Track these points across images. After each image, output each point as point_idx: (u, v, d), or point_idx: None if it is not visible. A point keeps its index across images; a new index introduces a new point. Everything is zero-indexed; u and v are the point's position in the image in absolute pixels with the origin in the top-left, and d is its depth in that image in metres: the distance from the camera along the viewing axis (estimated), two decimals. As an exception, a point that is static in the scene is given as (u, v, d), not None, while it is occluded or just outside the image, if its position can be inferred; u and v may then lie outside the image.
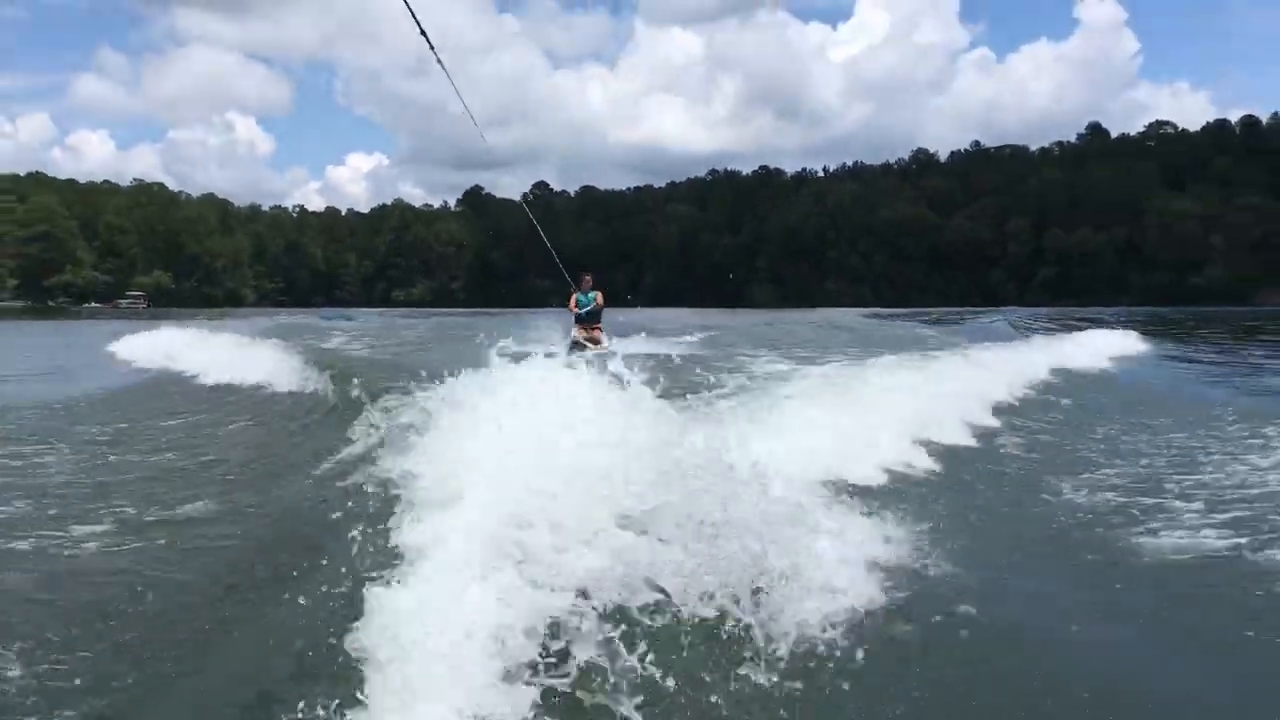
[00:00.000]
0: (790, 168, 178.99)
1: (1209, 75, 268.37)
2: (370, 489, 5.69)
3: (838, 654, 4.14)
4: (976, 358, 16.17)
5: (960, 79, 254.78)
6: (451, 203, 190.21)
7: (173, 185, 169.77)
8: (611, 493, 4.34)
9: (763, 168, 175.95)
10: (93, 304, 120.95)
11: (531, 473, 4.30)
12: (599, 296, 21.53)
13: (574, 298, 21.49)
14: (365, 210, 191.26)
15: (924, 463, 8.77)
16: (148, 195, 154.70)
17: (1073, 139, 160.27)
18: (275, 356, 16.36)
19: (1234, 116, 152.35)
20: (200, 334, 23.50)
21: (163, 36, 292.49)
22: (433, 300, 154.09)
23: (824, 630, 4.29)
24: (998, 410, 12.02)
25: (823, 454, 7.77)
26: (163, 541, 6.40)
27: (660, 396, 5.14)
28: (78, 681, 4.19)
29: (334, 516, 5.47)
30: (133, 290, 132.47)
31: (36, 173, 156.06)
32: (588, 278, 21.68)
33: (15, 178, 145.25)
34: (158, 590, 5.36)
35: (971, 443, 10.10)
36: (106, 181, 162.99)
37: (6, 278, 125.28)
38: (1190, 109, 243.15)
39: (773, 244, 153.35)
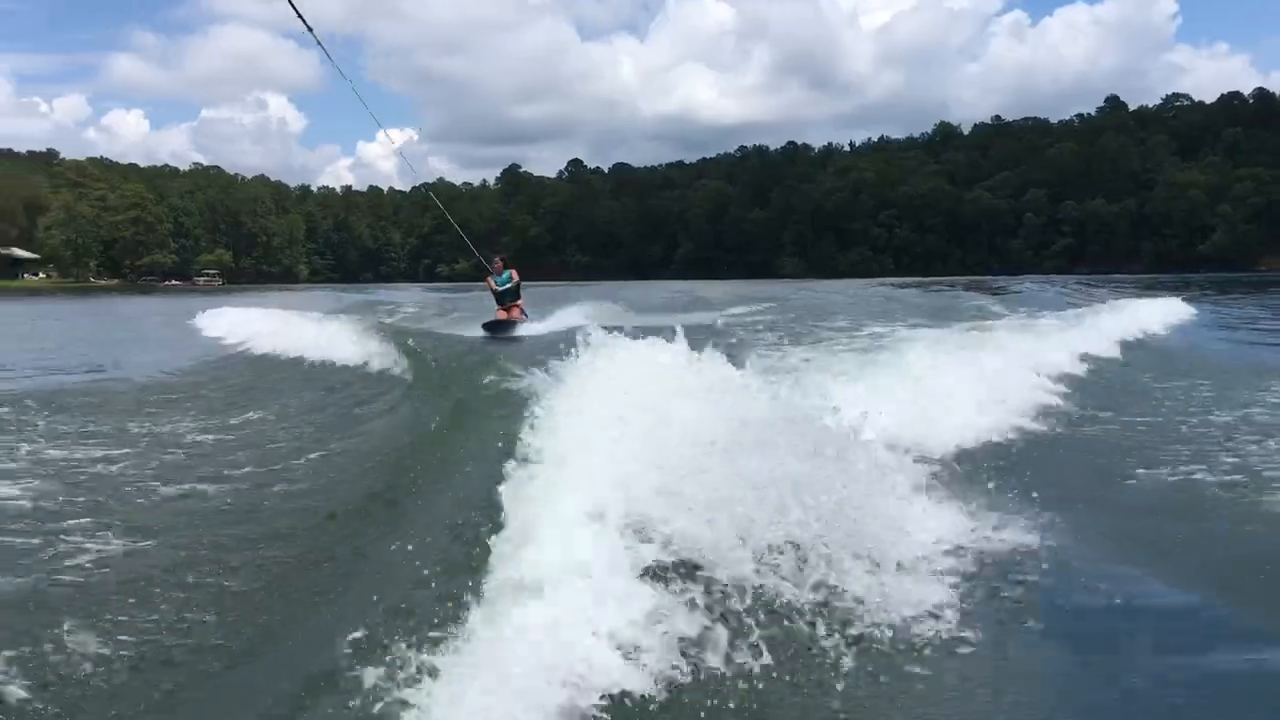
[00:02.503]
0: (820, 137, 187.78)
1: (1248, 38, 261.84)
2: (467, 462, 5.99)
3: (941, 633, 4.18)
4: (1037, 326, 15.97)
5: (993, 44, 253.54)
6: (490, 180, 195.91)
7: (204, 164, 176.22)
8: (714, 466, 4.49)
9: (790, 143, 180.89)
10: (173, 281, 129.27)
11: (632, 446, 4.51)
12: (514, 274, 22.10)
13: (490, 280, 22.07)
14: (399, 187, 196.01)
15: (1004, 434, 8.77)
16: (206, 178, 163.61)
17: (1092, 112, 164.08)
18: (355, 329, 16.91)
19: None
20: (282, 311, 24.93)
21: (195, 16, 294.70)
22: (475, 275, 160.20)
23: (927, 611, 4.35)
24: (1069, 380, 11.85)
25: (905, 424, 7.90)
26: (278, 489, 7.25)
27: (740, 368, 5.39)
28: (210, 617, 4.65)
29: (437, 487, 5.70)
30: (207, 269, 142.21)
31: (102, 158, 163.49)
32: (499, 260, 22.37)
33: (106, 163, 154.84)
34: (279, 538, 5.95)
35: (1049, 414, 9.93)
36: (167, 165, 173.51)
37: (99, 257, 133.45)
38: (1230, 72, 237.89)
39: (799, 216, 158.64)
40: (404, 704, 3.23)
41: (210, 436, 9.94)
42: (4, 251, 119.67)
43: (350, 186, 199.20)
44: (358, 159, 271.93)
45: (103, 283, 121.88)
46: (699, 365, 5.30)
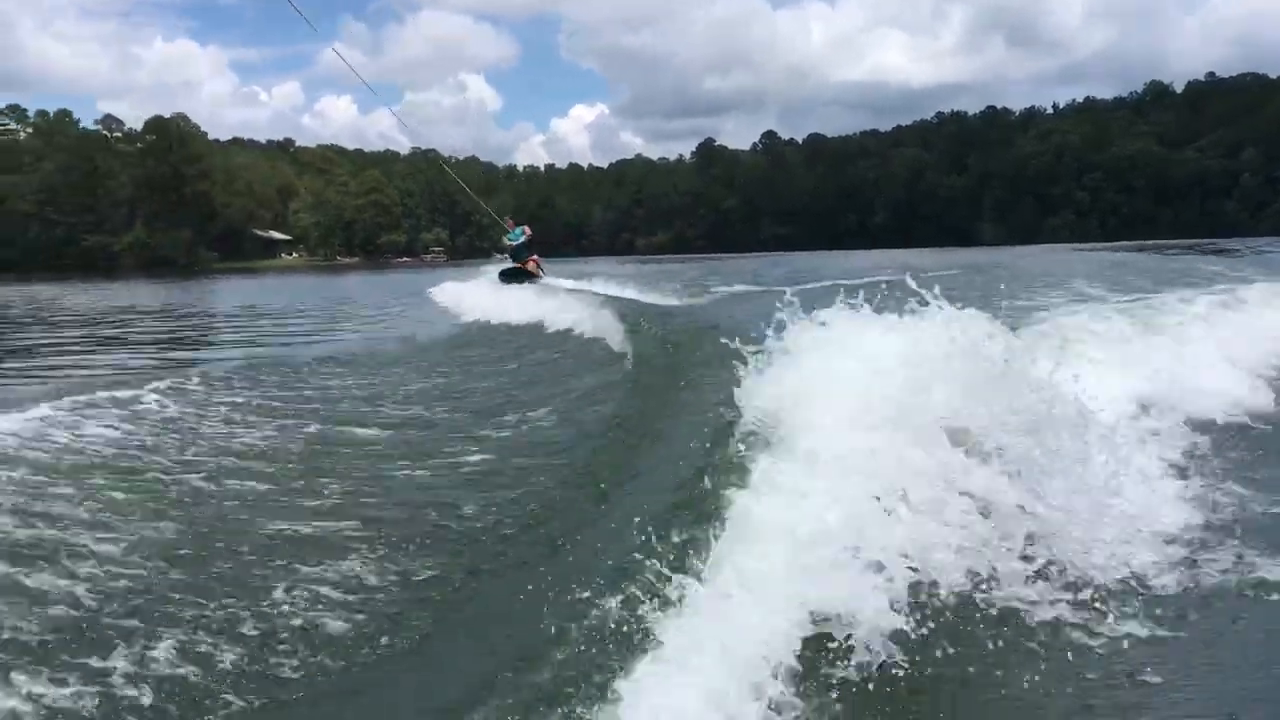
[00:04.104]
0: (1020, 98, 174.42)
1: None
2: (688, 430, 6.11)
3: (1169, 604, 4.16)
4: None
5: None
6: (686, 154, 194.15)
7: (408, 146, 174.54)
8: (949, 436, 4.57)
9: (989, 107, 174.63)
10: (404, 258, 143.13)
11: (866, 415, 4.52)
12: (526, 230, 25.22)
13: (505, 238, 25.59)
14: (590, 162, 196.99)
15: (1253, 407, 8.11)
16: (424, 160, 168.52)
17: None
18: (571, 300, 18.27)
19: None
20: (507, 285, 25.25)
21: (399, 3, 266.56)
22: (673, 248, 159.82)
23: (1154, 579, 4.36)
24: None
25: (1148, 394, 7.63)
26: (521, 463, 7.57)
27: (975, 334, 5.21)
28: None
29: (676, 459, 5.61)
30: (432, 246, 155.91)
31: (332, 144, 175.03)
32: (509, 219, 26.06)
33: (337, 149, 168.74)
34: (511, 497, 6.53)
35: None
36: (388, 150, 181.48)
37: (339, 236, 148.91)
38: None
39: (998, 182, 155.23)
40: (622, 672, 3.17)
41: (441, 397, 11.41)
42: (263, 234, 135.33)
43: (553, 165, 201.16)
44: (551, 134, 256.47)
45: (346, 260, 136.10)
46: (931, 332, 5.11)
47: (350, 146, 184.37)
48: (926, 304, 5.18)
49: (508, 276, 24.11)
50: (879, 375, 4.74)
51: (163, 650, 4.10)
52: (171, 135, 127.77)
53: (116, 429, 8.62)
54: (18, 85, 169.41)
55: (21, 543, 5.39)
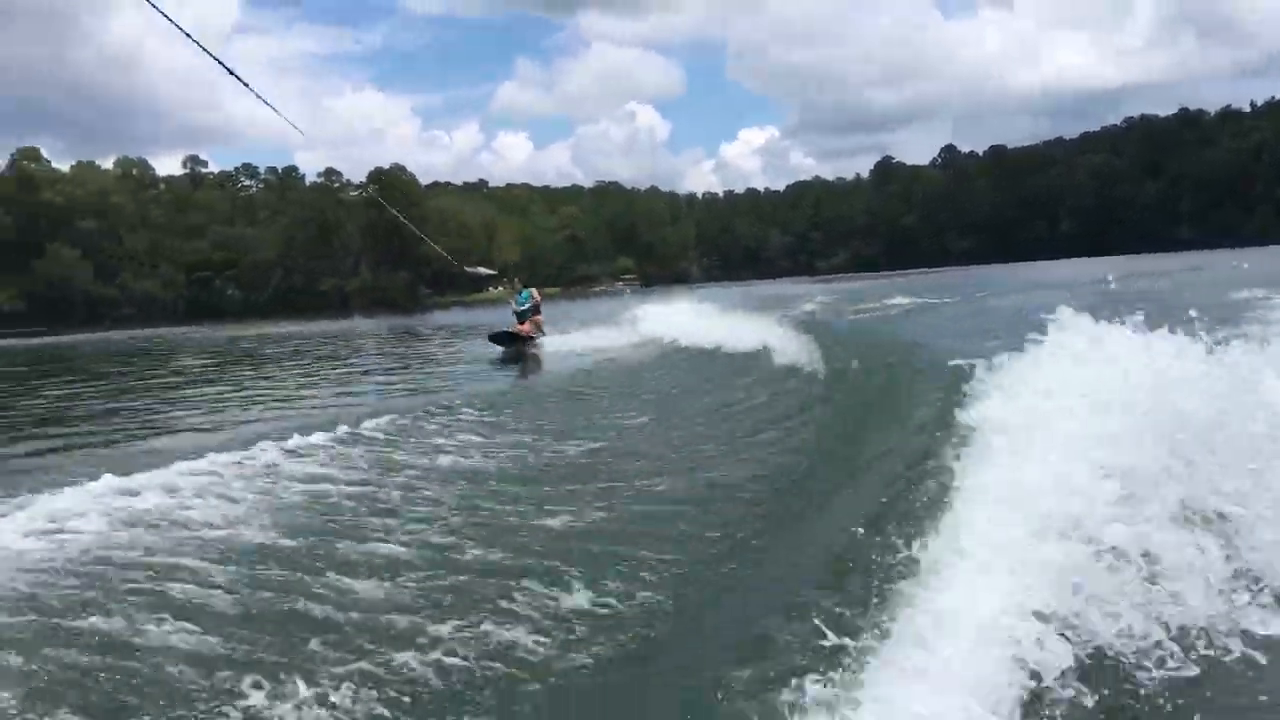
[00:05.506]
0: (1215, 94, 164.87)
1: None
2: (894, 449, 6.22)
3: None
4: None
5: None
6: (860, 172, 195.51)
7: (580, 178, 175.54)
8: (1180, 466, 4.34)
9: (1183, 109, 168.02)
10: (599, 287, 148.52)
11: (1093, 444, 4.35)
12: (534, 294, 24.33)
13: (511, 299, 24.63)
14: (766, 185, 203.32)
15: None
16: (606, 194, 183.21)
17: None
18: (768, 322, 18.00)
19: None
20: (704, 305, 26.03)
21: (570, 39, 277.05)
22: (852, 267, 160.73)
23: None
24: None
25: None
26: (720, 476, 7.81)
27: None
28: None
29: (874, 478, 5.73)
30: (623, 274, 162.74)
31: (524, 183, 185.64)
32: (517, 281, 25.21)
33: (528, 187, 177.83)
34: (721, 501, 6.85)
35: None
36: (574, 185, 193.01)
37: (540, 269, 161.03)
38: None
39: (1193, 184, 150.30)
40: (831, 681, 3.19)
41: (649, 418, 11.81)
42: (471, 270, 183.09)
43: (731, 191, 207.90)
44: (719, 160, 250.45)
45: (548, 290, 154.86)
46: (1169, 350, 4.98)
47: (526, 180, 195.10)
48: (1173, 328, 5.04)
49: (497, 339, 23.31)
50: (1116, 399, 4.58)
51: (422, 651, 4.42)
52: (391, 185, 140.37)
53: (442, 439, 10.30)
54: (219, 139, 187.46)
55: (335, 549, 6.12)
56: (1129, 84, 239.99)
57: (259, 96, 11.73)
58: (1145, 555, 3.93)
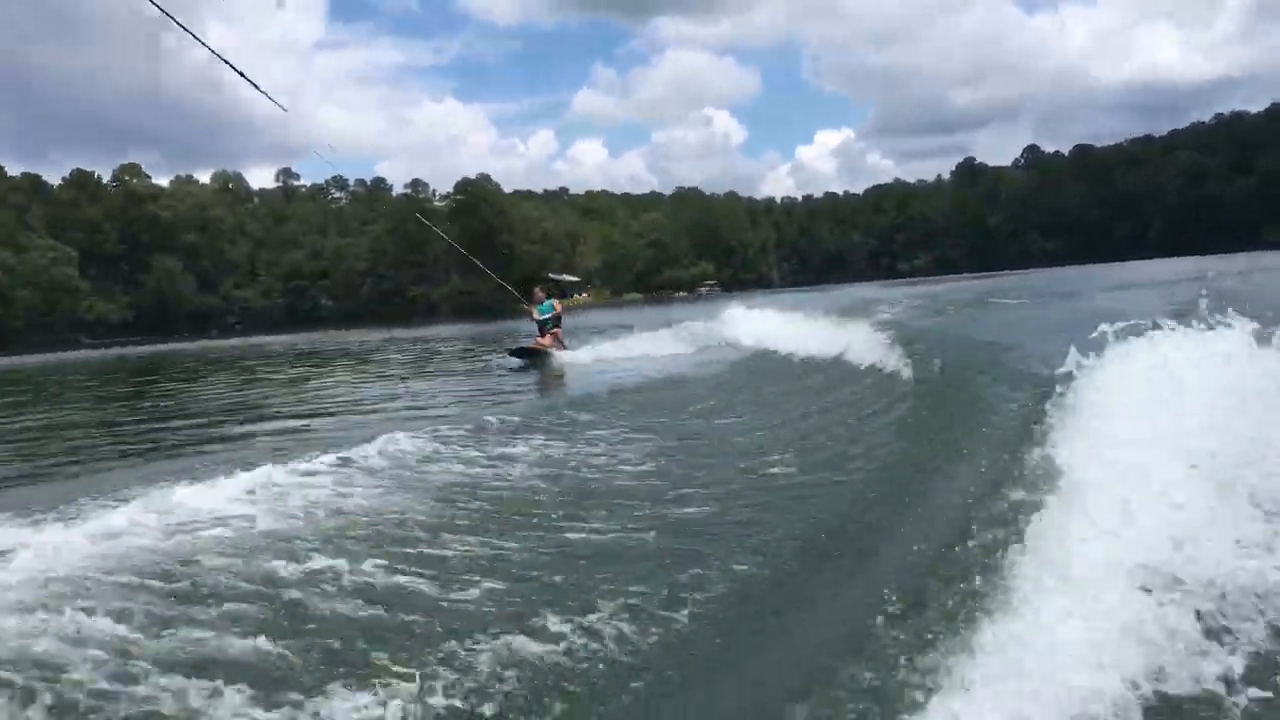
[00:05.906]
0: None
1: None
2: (985, 455, 6.01)
3: None
4: None
5: None
6: (941, 173, 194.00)
7: (655, 184, 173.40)
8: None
9: (1275, 104, 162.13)
10: (681, 292, 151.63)
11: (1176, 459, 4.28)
12: (556, 305, 24.15)
13: (533, 309, 24.14)
14: (845, 189, 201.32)
15: None
16: (685, 199, 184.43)
17: None
18: (853, 328, 17.18)
19: None
20: (792, 312, 24.58)
21: (645, 46, 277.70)
22: (935, 269, 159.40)
23: None
24: None
25: None
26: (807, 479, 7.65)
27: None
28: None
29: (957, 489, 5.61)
30: (704, 280, 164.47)
31: (603, 190, 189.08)
32: (539, 291, 24.66)
33: (607, 194, 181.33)
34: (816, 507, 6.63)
35: None
36: (653, 191, 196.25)
37: (623, 275, 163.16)
38: None
39: None
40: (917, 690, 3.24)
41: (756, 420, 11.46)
42: (556, 276, 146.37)
43: (810, 195, 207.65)
44: (795, 163, 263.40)
45: (631, 296, 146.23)
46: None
47: (604, 188, 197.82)
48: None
49: (520, 354, 23.42)
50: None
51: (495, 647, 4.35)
52: (477, 194, 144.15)
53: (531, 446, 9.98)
54: (300, 152, 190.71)
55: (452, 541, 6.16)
56: (1219, 78, 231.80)
57: (251, 82, 13.20)
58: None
